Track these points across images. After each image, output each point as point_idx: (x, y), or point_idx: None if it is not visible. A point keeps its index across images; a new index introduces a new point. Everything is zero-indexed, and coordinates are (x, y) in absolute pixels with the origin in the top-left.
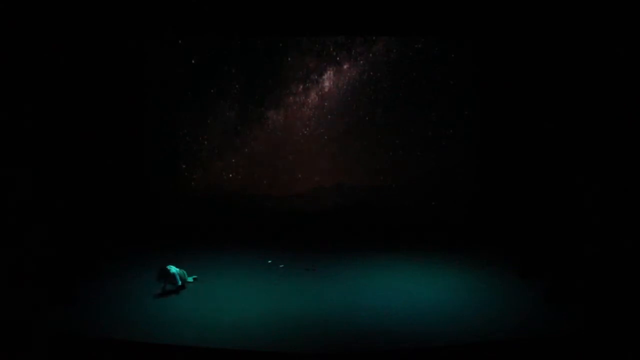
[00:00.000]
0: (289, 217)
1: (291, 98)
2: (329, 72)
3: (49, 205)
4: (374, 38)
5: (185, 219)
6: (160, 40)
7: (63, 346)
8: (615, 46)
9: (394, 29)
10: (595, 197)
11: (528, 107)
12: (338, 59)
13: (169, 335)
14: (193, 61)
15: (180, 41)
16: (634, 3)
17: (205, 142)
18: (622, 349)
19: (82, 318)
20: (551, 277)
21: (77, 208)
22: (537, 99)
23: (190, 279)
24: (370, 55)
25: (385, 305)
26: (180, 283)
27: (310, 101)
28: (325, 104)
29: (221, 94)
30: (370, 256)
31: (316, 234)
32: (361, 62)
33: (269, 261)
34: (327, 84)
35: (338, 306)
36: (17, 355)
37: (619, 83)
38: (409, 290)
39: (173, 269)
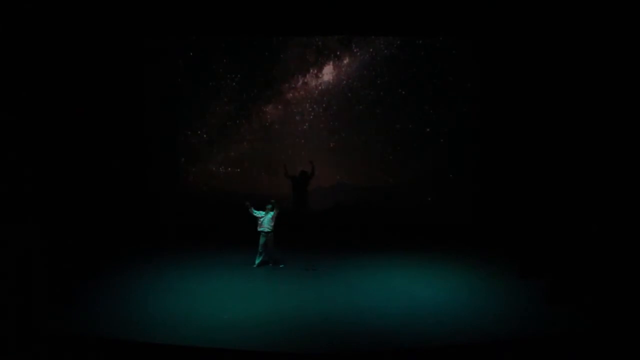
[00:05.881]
0: (290, 217)
1: (290, 93)
2: (328, 66)
3: (50, 205)
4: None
5: (184, 218)
6: (160, 39)
7: (63, 346)
8: (615, 46)
9: (394, 29)
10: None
11: (528, 106)
12: (338, 53)
13: (169, 335)
14: (191, 54)
15: (179, 38)
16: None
17: (205, 136)
18: (623, 348)
19: (82, 318)
20: (551, 277)
21: (78, 208)
22: (538, 98)
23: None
24: (371, 50)
25: (385, 305)
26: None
27: (309, 96)
28: (325, 99)
29: (220, 88)
30: (370, 256)
31: (316, 234)
32: (361, 57)
33: (270, 264)
34: (326, 78)
35: (338, 306)
36: (17, 355)
37: (619, 83)
38: (409, 290)
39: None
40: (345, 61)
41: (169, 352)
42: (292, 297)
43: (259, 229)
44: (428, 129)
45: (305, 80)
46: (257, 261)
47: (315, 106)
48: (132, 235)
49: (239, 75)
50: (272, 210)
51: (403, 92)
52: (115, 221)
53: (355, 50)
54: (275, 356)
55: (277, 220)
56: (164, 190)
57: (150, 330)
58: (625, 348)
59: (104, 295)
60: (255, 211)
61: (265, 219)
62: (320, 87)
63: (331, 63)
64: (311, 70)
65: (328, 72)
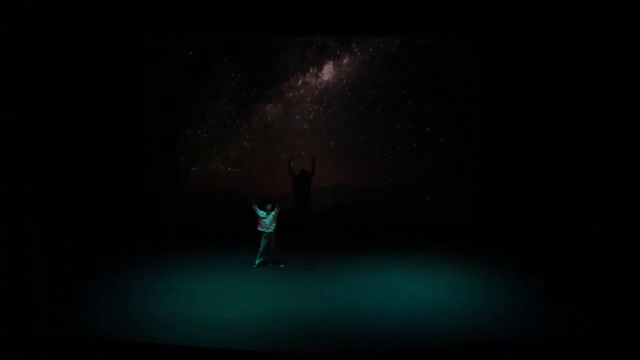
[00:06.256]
0: (290, 217)
1: (290, 93)
2: (328, 66)
3: (50, 205)
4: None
5: (184, 218)
6: (160, 39)
7: (63, 346)
8: (616, 46)
9: (394, 29)
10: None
11: (528, 106)
12: (338, 53)
13: (169, 335)
14: (191, 53)
15: (179, 38)
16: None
17: (205, 136)
18: (623, 348)
19: (82, 318)
20: (551, 277)
21: (78, 208)
22: (538, 98)
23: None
24: (371, 50)
25: (385, 305)
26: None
27: (309, 96)
28: (325, 98)
29: (220, 88)
30: (370, 256)
31: (316, 234)
32: (361, 57)
33: (270, 263)
34: (326, 78)
35: (338, 306)
36: (17, 355)
37: (619, 83)
38: (409, 290)
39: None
40: (345, 61)
41: (169, 352)
42: (292, 297)
43: (260, 229)
44: (428, 129)
45: (305, 80)
46: (257, 261)
47: (315, 106)
48: (132, 235)
49: (239, 75)
50: (272, 210)
51: (403, 92)
52: (115, 221)
53: (355, 50)
54: (275, 356)
55: (278, 219)
56: (164, 190)
57: (150, 330)
58: (625, 348)
59: (104, 295)
60: (259, 210)
61: (268, 219)
62: (320, 87)
63: (331, 62)
64: (311, 70)
65: (328, 72)
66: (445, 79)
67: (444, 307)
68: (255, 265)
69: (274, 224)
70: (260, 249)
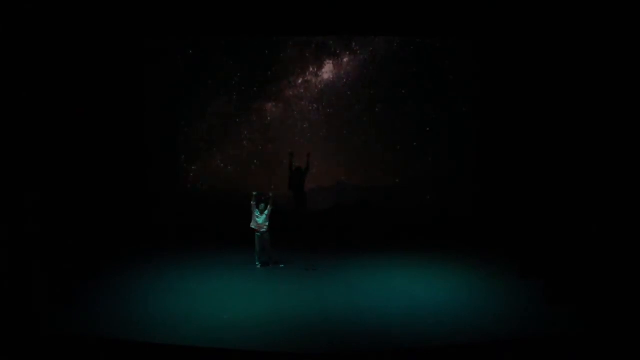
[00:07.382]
0: (290, 217)
1: (290, 92)
2: (328, 65)
3: (50, 205)
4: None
5: (184, 218)
6: (160, 39)
7: (63, 346)
8: (615, 46)
9: (394, 29)
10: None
11: (528, 106)
12: (338, 52)
13: (169, 335)
14: (191, 52)
15: (179, 38)
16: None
17: (205, 136)
18: (622, 348)
19: (82, 318)
20: (551, 277)
21: (78, 208)
22: (538, 98)
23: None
24: (371, 49)
25: (385, 305)
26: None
27: (309, 95)
28: (325, 97)
29: (220, 87)
30: (370, 256)
31: (316, 234)
32: (361, 56)
33: (270, 264)
34: (326, 77)
35: (338, 306)
36: (17, 355)
37: (619, 82)
38: (409, 290)
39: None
40: (345, 60)
41: (169, 352)
42: (292, 297)
43: (253, 227)
44: (428, 129)
45: (306, 79)
46: (258, 263)
47: (315, 105)
48: (132, 235)
49: (239, 74)
50: (265, 209)
51: (403, 92)
52: (115, 221)
53: (355, 49)
54: (275, 356)
55: (271, 218)
56: (164, 190)
57: (150, 330)
58: (625, 348)
59: (104, 295)
60: (256, 209)
61: (261, 219)
62: (320, 86)
63: (331, 62)
64: (311, 69)
65: (328, 71)
66: (445, 79)
67: (444, 307)
68: (259, 266)
69: (267, 223)
70: (257, 249)
